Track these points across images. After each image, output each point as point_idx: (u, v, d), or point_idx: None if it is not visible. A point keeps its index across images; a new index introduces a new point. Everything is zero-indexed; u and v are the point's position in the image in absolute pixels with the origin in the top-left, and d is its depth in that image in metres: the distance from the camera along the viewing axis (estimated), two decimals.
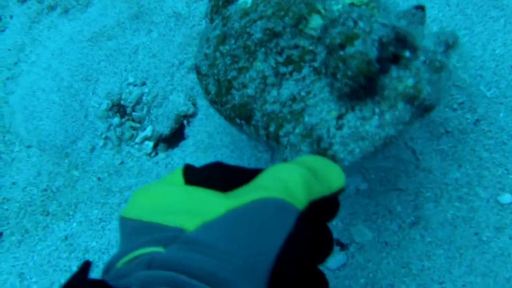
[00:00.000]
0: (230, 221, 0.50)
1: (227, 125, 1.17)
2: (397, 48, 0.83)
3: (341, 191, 0.62)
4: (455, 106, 1.14)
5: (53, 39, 1.56)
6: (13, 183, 1.45)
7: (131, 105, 1.39)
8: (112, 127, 1.39)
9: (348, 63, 0.77)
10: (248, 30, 0.90)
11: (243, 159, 1.21)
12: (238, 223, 0.50)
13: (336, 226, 1.12)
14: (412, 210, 1.09)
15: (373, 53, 0.78)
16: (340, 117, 0.81)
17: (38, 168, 1.44)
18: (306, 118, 0.83)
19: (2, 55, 1.61)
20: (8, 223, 1.40)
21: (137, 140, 1.36)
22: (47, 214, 1.39)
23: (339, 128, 0.80)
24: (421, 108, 0.80)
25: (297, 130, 0.83)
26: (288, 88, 0.86)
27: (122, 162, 1.35)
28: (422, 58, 0.83)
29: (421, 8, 0.96)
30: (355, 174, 1.14)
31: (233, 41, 0.91)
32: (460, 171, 1.09)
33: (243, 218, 0.51)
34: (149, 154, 1.34)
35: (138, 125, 1.38)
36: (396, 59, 0.82)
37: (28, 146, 1.46)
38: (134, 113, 1.39)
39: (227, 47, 0.92)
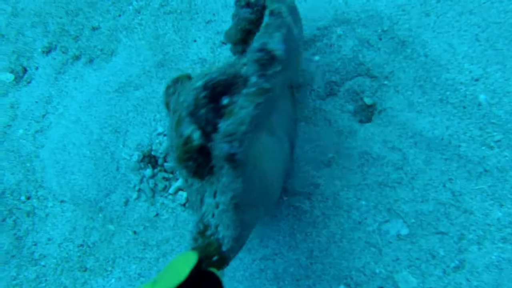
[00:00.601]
0: None
1: None
2: (214, 110, 0.85)
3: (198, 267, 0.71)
4: (492, 144, 1.17)
5: (79, 90, 1.61)
6: (49, 239, 1.50)
7: (162, 155, 1.44)
8: (144, 179, 1.43)
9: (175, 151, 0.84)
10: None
11: None
12: None
13: (379, 273, 1.15)
14: (456, 253, 1.12)
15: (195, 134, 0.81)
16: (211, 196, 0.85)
17: (73, 223, 1.48)
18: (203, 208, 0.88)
19: (30, 108, 1.66)
20: (46, 279, 1.46)
21: (171, 191, 1.41)
22: (85, 270, 1.43)
23: (216, 206, 0.84)
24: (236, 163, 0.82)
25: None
26: None
27: (157, 214, 1.39)
28: (241, 99, 0.84)
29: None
30: (394, 219, 1.17)
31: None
32: (501, 210, 1.12)
33: None
34: (184, 205, 1.38)
35: (170, 175, 1.43)
36: (220, 115, 0.84)
37: (62, 201, 1.51)
38: (165, 164, 1.43)
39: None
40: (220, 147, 0.81)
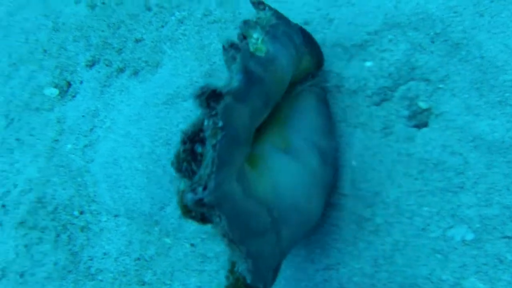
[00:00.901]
0: None
1: None
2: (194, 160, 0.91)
3: None
4: None
5: (126, 102, 1.64)
6: (105, 254, 1.53)
7: None
8: None
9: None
10: None
11: None
12: None
13: (446, 280, 1.16)
14: None
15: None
16: None
17: (129, 237, 1.51)
18: None
19: (77, 122, 1.69)
20: None
21: None
22: (143, 284, 1.46)
23: None
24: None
25: None
26: None
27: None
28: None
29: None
30: (459, 225, 1.18)
31: None
32: None
33: None
34: None
35: None
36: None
37: (116, 215, 1.54)
38: None
39: None
40: (185, 197, 0.85)
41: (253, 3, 1.15)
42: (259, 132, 1.20)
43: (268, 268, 0.99)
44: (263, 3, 1.16)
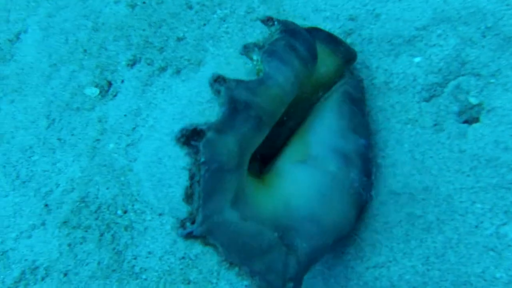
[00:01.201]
0: None
1: None
2: None
3: None
4: None
5: (169, 101, 1.66)
6: (149, 253, 1.55)
7: None
8: None
9: None
10: None
11: None
12: None
13: (500, 278, 1.16)
14: None
15: None
16: None
17: (174, 236, 1.53)
18: None
19: (119, 121, 1.71)
20: None
21: None
22: (188, 283, 1.48)
23: None
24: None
25: None
26: None
27: None
28: None
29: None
30: None
31: None
32: None
33: None
34: None
35: None
36: None
37: (160, 214, 1.56)
38: None
39: None
40: (177, 233, 0.98)
41: (263, 21, 1.20)
42: (282, 148, 1.28)
43: (284, 279, 1.05)
44: (272, 19, 1.21)
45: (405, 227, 1.26)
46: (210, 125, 0.93)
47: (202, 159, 0.94)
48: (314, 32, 1.31)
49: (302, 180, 1.13)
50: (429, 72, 1.36)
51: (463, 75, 1.33)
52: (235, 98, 0.98)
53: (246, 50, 1.13)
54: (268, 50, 1.08)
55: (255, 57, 1.14)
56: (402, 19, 1.42)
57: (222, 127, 0.96)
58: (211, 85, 1.05)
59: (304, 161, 1.14)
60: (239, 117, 0.99)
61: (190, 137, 0.95)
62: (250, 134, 1.01)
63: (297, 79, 1.10)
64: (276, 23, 1.19)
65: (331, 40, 1.34)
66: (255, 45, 1.15)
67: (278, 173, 1.18)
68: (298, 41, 1.14)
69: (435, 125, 1.32)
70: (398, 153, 1.33)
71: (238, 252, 0.94)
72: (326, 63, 1.32)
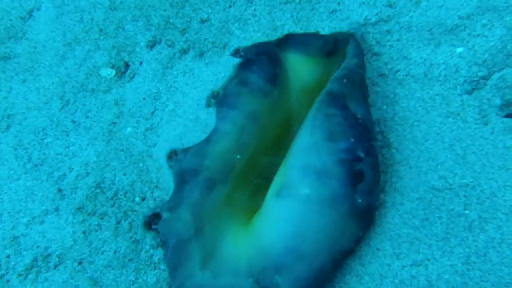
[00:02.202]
0: None
1: None
2: None
3: None
4: None
5: (191, 85, 1.62)
6: None
7: None
8: None
9: None
10: None
11: None
12: None
13: None
14: None
15: None
16: None
17: None
18: None
19: (137, 105, 1.67)
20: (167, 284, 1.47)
21: None
22: None
23: None
24: None
25: None
26: None
27: None
28: None
29: None
30: None
31: None
32: None
33: None
34: None
35: None
36: None
37: None
38: None
39: None
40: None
41: (232, 54, 1.26)
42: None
43: None
44: (238, 50, 1.37)
45: (445, 224, 1.23)
46: (163, 205, 1.18)
47: (161, 240, 1.13)
48: (284, 41, 1.39)
49: (275, 214, 1.11)
50: (473, 64, 1.32)
51: (508, 67, 1.29)
52: (182, 170, 1.20)
53: (207, 103, 1.18)
54: (219, 99, 1.24)
55: (213, 110, 1.23)
56: (444, 6, 1.38)
57: (173, 204, 1.19)
58: (168, 162, 1.16)
59: (278, 193, 1.10)
60: (187, 187, 1.18)
61: (152, 221, 1.22)
62: (202, 198, 1.16)
63: (250, 116, 1.22)
64: (241, 54, 1.20)
65: (303, 42, 1.37)
66: (213, 95, 1.19)
67: (259, 211, 1.15)
68: (252, 71, 1.25)
69: (478, 119, 1.27)
70: (438, 147, 1.29)
71: None
72: (305, 68, 1.30)
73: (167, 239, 1.01)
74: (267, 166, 1.12)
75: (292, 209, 1.04)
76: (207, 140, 1.20)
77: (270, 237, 1.01)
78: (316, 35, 1.36)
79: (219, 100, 1.12)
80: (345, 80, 1.20)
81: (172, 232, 1.11)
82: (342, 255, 1.12)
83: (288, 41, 1.33)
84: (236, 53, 1.26)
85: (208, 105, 1.25)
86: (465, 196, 1.26)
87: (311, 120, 1.18)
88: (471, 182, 1.26)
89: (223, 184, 1.15)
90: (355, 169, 1.13)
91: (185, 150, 1.08)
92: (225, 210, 1.18)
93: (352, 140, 1.13)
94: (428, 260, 1.24)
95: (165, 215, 1.19)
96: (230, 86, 1.19)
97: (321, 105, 1.19)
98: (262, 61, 1.26)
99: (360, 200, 1.12)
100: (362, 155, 1.13)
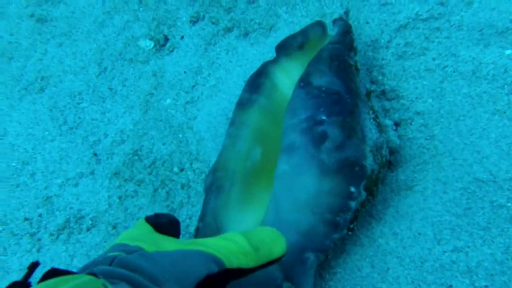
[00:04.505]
0: (177, 254, 0.81)
1: None
2: None
3: (282, 257, 1.00)
4: None
5: (235, 63, 1.68)
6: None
7: None
8: None
9: None
10: None
11: None
12: (184, 257, 0.81)
13: None
14: None
15: None
16: None
17: None
18: None
19: (178, 78, 1.73)
20: None
21: None
22: None
23: None
24: None
25: None
26: None
27: None
28: None
29: None
30: None
31: None
32: None
33: (188, 255, 0.82)
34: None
35: None
36: None
37: None
38: None
39: None
40: None
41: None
42: None
43: None
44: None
45: (487, 214, 1.31)
46: (198, 218, 1.46)
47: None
48: (276, 52, 1.57)
49: (271, 197, 1.27)
50: None
51: None
52: (206, 187, 1.51)
53: None
54: None
55: None
56: (497, 9, 1.46)
57: (202, 215, 1.48)
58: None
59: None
60: (207, 198, 1.48)
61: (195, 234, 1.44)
62: (216, 202, 1.46)
63: (242, 126, 1.55)
64: None
65: (282, 46, 1.58)
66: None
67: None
68: (245, 89, 1.54)
69: None
70: (484, 142, 1.38)
71: None
72: (292, 67, 1.55)
73: None
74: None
75: (275, 187, 1.21)
76: (217, 158, 1.44)
77: (265, 217, 1.25)
78: (289, 36, 1.46)
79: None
80: (313, 61, 1.28)
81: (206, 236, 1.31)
82: (333, 211, 1.18)
83: (277, 50, 1.47)
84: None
85: None
86: (508, 189, 1.34)
87: (287, 107, 1.32)
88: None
89: (231, 186, 1.37)
90: (316, 131, 1.19)
91: (209, 171, 1.45)
92: (242, 204, 1.36)
93: (311, 108, 1.21)
94: (469, 247, 1.32)
95: (200, 225, 1.36)
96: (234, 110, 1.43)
97: (293, 92, 1.31)
98: (250, 78, 1.42)
99: (327, 158, 1.16)
100: (323, 117, 1.19)
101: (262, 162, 1.37)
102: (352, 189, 1.21)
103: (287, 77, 1.42)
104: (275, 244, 0.99)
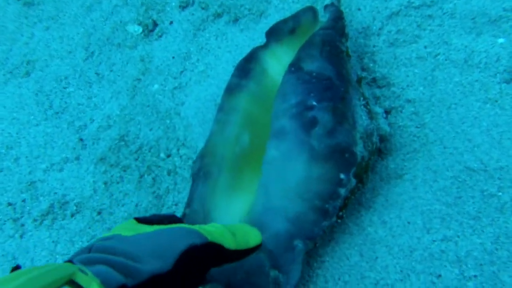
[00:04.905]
0: (156, 232, 0.84)
1: None
2: None
3: (258, 246, 1.03)
4: None
5: (225, 49, 1.66)
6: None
7: None
8: None
9: None
10: None
11: None
12: (162, 233, 0.83)
13: None
14: None
15: None
16: None
17: None
18: None
19: (166, 63, 1.70)
20: None
21: None
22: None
23: None
24: None
25: None
26: None
27: None
28: None
29: None
30: None
31: None
32: None
33: (167, 231, 0.84)
34: None
35: None
36: None
37: None
38: None
39: None
40: None
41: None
42: None
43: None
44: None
45: (478, 204, 1.30)
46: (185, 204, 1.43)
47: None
48: (266, 37, 1.56)
49: (259, 182, 1.25)
50: None
51: None
52: (193, 172, 1.48)
53: None
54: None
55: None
56: None
57: (188, 201, 1.47)
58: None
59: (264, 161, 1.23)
60: (194, 184, 1.46)
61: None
62: (203, 189, 1.44)
63: (230, 111, 1.52)
64: None
65: (272, 31, 1.55)
66: None
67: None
68: (234, 74, 1.53)
69: None
70: (475, 130, 1.36)
71: None
72: (283, 52, 1.54)
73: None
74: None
75: (264, 173, 1.21)
76: (205, 143, 1.40)
77: (254, 203, 1.24)
78: (280, 20, 1.44)
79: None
80: (304, 46, 1.25)
81: (192, 223, 1.26)
82: (323, 199, 1.16)
83: (267, 35, 1.43)
84: None
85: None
86: (499, 178, 1.33)
87: (277, 92, 1.28)
88: (506, 165, 1.33)
89: (219, 172, 1.35)
90: (306, 117, 1.17)
91: (196, 157, 1.39)
92: (231, 189, 1.36)
93: (301, 94, 1.19)
94: (458, 236, 1.30)
95: (187, 211, 1.35)
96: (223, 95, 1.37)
97: (283, 77, 1.27)
98: (239, 63, 1.39)
99: (317, 144, 1.14)
100: (313, 102, 1.17)
101: (251, 148, 1.35)
102: (342, 175, 1.19)
103: (277, 63, 1.40)
104: (250, 234, 1.03)
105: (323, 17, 1.45)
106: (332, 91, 1.21)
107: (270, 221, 1.16)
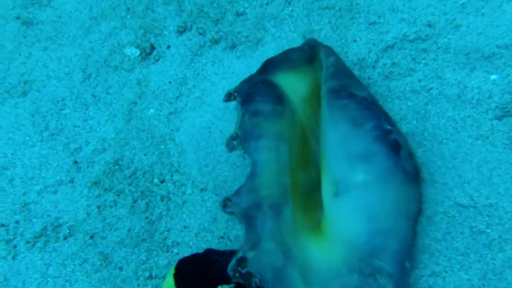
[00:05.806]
0: None
1: None
2: None
3: None
4: None
5: (221, 75, 1.69)
6: (185, 227, 1.58)
7: None
8: None
9: None
10: None
11: None
12: None
13: None
14: None
15: None
16: None
17: (214, 214, 1.56)
18: None
19: (162, 88, 1.73)
20: None
21: None
22: None
23: None
24: None
25: None
26: None
27: None
28: None
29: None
30: None
31: None
32: None
33: None
34: None
35: None
36: None
37: (202, 190, 1.59)
38: None
39: None
40: None
41: (225, 100, 1.41)
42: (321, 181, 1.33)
43: None
44: (231, 94, 1.41)
45: (466, 240, 1.32)
46: (243, 249, 1.11)
47: (258, 279, 1.09)
48: (266, 68, 1.49)
49: (344, 211, 1.19)
50: (506, 92, 1.42)
51: None
52: (245, 209, 1.16)
53: (231, 147, 1.26)
54: (241, 137, 1.26)
55: (240, 151, 1.29)
56: (484, 34, 1.48)
57: (252, 242, 1.13)
58: (224, 211, 1.25)
59: (336, 193, 1.19)
60: (257, 221, 1.15)
61: (239, 267, 1.12)
62: (276, 224, 1.15)
63: (277, 137, 1.28)
64: (236, 95, 1.29)
65: (284, 59, 1.51)
66: (232, 138, 1.26)
67: (326, 217, 1.27)
68: (257, 101, 1.31)
69: (506, 144, 1.37)
70: (466, 166, 1.39)
71: None
72: (296, 81, 1.50)
73: (262, 276, 1.04)
74: (306, 180, 1.22)
75: (356, 199, 1.12)
76: (252, 175, 1.22)
77: (350, 232, 1.07)
78: (292, 49, 1.46)
79: (242, 138, 1.19)
80: (337, 74, 1.33)
81: (264, 267, 1.09)
82: (415, 218, 1.21)
83: (269, 64, 1.44)
84: (229, 96, 1.35)
85: (231, 149, 1.33)
86: (488, 215, 1.35)
87: (330, 117, 1.27)
88: (495, 203, 1.36)
89: (287, 204, 1.20)
90: (390, 140, 1.19)
91: (237, 193, 1.18)
92: (298, 227, 1.27)
93: (374, 118, 1.20)
94: (446, 272, 1.33)
95: (250, 255, 1.14)
96: (245, 123, 1.27)
97: (330, 103, 1.28)
98: (261, 89, 1.35)
99: (407, 164, 1.20)
100: (388, 127, 1.18)
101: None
102: (419, 193, 1.32)
103: (292, 91, 1.43)
104: None
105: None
106: (389, 117, 1.30)
107: (382, 244, 1.19)
